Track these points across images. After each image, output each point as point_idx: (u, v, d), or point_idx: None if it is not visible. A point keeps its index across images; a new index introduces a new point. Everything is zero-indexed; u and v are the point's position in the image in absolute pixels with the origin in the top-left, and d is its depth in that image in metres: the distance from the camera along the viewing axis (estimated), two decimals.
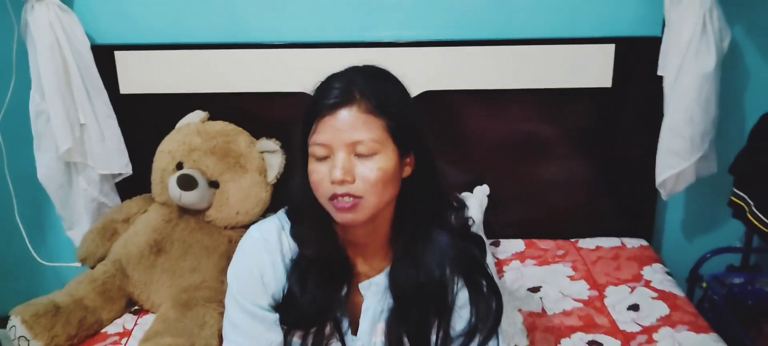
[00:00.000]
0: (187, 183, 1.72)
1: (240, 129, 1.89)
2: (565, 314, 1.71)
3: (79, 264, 1.90)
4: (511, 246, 2.05)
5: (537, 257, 1.98)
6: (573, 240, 2.07)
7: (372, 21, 1.92)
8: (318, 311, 1.08)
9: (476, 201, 1.95)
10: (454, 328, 1.10)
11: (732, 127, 1.97)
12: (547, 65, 1.92)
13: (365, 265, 1.12)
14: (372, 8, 1.91)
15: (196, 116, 1.89)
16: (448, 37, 1.92)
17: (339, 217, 1.00)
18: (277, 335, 1.10)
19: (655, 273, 1.87)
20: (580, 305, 1.74)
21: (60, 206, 1.94)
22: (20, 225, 1.99)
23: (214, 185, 1.79)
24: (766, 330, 1.99)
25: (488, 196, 2.00)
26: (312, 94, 1.04)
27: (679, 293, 1.78)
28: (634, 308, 1.72)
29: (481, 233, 1.22)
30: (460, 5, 1.91)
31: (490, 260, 1.15)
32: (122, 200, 1.99)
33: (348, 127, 0.97)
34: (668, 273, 1.88)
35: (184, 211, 1.80)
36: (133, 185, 1.98)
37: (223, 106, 1.93)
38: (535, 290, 1.81)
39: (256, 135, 1.90)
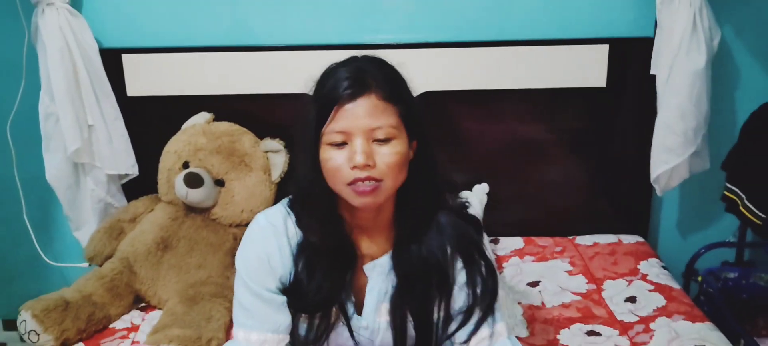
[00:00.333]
0: (193, 181, 1.76)
1: (244, 129, 1.93)
2: (564, 306, 1.75)
3: (86, 264, 1.93)
4: (510, 243, 2.09)
5: (535, 254, 2.02)
6: (571, 237, 2.11)
7: (371, 24, 1.98)
8: (324, 298, 1.11)
9: (476, 199, 1.99)
10: (453, 307, 1.14)
11: (724, 124, 2.02)
12: (543, 66, 1.97)
13: (370, 248, 1.15)
14: (371, 11, 1.96)
15: (202, 117, 1.94)
16: (446, 39, 1.97)
17: (358, 201, 1.03)
18: (285, 317, 1.13)
19: (651, 267, 1.91)
20: (579, 298, 1.78)
21: (68, 207, 1.97)
22: (28, 226, 2.02)
23: (219, 183, 1.83)
24: (761, 323, 2.03)
25: (487, 194, 2.04)
26: (317, 84, 1.07)
27: (675, 285, 1.82)
28: (632, 299, 1.76)
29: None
30: (457, 8, 1.96)
31: (486, 241, 1.19)
32: (128, 200, 2.03)
33: (367, 114, 1.01)
34: (664, 267, 1.92)
35: (190, 209, 1.84)
36: (139, 186, 2.01)
37: (227, 107, 1.97)
38: (534, 284, 1.85)
39: (260, 136, 1.94)
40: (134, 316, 1.75)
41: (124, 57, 1.96)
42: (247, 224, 1.81)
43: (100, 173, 1.96)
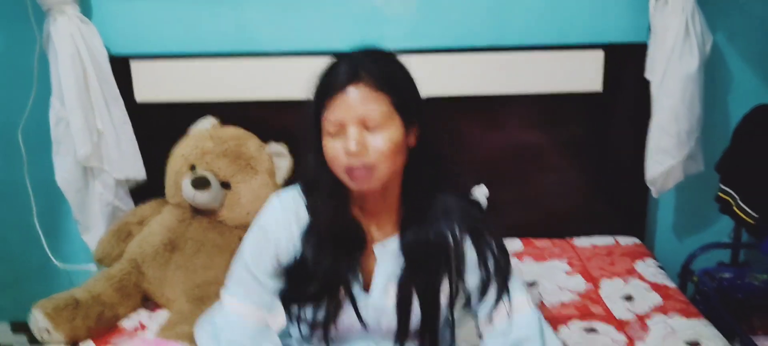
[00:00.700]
0: (200, 183, 1.81)
1: (250, 133, 1.97)
2: (563, 305, 1.78)
3: (93, 266, 1.97)
4: (509, 246, 2.08)
5: (534, 255, 2.06)
6: (569, 239, 2.15)
7: (375, 31, 2.03)
8: (331, 279, 1.16)
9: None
10: (467, 286, 1.19)
11: (717, 128, 2.07)
12: (540, 72, 2.02)
13: (379, 231, 1.20)
14: (375, 19, 2.02)
15: (208, 122, 1.98)
16: (447, 46, 2.02)
17: (354, 185, 1.10)
18: (272, 300, 1.20)
19: (647, 267, 1.95)
20: (577, 296, 1.82)
21: (77, 210, 2.01)
22: (38, 229, 2.07)
23: (225, 186, 1.87)
24: (756, 323, 2.06)
25: (486, 197, 2.08)
26: (317, 78, 1.13)
27: (671, 284, 1.86)
28: (628, 298, 1.79)
29: None
30: (457, 16, 2.02)
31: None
32: (135, 204, 2.07)
33: (358, 104, 1.06)
34: (660, 267, 1.96)
35: (196, 211, 1.88)
36: (146, 190, 2.06)
37: (232, 113, 2.02)
38: (532, 285, 1.89)
39: (265, 140, 1.98)
40: (142, 315, 1.79)
41: (133, 64, 2.01)
42: None
43: (109, 176, 2.01)
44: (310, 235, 1.17)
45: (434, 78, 1.99)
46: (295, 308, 1.21)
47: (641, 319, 1.69)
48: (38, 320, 1.61)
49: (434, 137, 1.15)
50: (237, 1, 2.01)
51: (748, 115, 1.95)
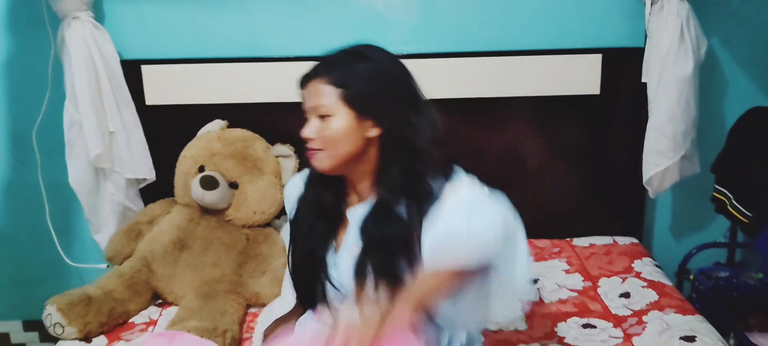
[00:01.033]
0: (209, 183, 1.86)
1: (257, 135, 2.02)
2: (561, 302, 1.83)
3: (105, 265, 2.02)
4: None
5: (534, 255, 2.09)
6: (567, 239, 2.19)
7: (377, 35, 2.05)
8: (308, 243, 1.30)
9: None
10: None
11: (712, 130, 2.11)
12: (539, 75, 2.06)
13: (354, 196, 1.30)
14: (377, 24, 2.07)
15: (216, 125, 2.03)
16: (447, 50, 2.07)
17: (312, 164, 1.26)
18: None
19: (644, 266, 1.99)
20: (575, 294, 1.86)
21: (88, 210, 2.06)
22: (51, 229, 2.12)
23: (233, 186, 1.92)
24: (752, 322, 2.09)
25: None
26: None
27: (668, 282, 1.90)
28: (626, 295, 1.84)
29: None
30: (458, 21, 2.07)
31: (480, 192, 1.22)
32: (145, 204, 2.12)
33: (312, 96, 1.23)
34: (657, 266, 2.00)
35: (205, 211, 1.93)
36: (156, 191, 2.11)
37: (240, 115, 2.06)
38: (535, 282, 1.93)
39: (271, 142, 2.03)
40: (152, 311, 1.84)
41: (144, 68, 2.06)
42: (259, 225, 1.95)
43: (120, 177, 2.05)
44: (303, 196, 1.32)
45: (435, 81, 2.05)
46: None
47: (638, 315, 1.73)
48: (52, 315, 1.66)
49: (400, 131, 1.21)
50: (244, 8, 2.06)
51: (742, 118, 2.00)
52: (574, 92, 2.08)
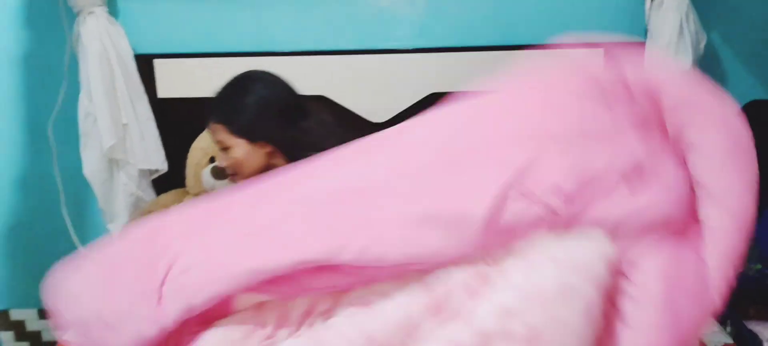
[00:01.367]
0: (220, 174, 1.91)
1: None
2: None
3: None
4: None
5: None
6: None
7: (384, 30, 2.12)
8: None
9: None
10: None
11: None
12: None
13: None
14: (385, 19, 2.11)
15: None
16: (452, 44, 2.11)
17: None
18: None
19: None
20: None
21: (102, 200, 2.11)
22: (67, 218, 2.18)
23: None
24: (752, 313, 2.12)
25: None
26: None
27: None
28: None
29: None
30: (463, 16, 2.10)
31: None
32: (157, 194, 2.17)
33: (211, 133, 1.49)
34: None
35: None
36: (167, 182, 2.16)
37: None
38: None
39: None
40: None
41: (156, 62, 2.10)
42: None
43: (133, 168, 2.10)
44: None
45: (443, 75, 2.09)
46: None
47: None
48: None
49: (284, 145, 1.45)
50: (253, 4, 2.10)
51: (741, 110, 2.02)
52: None
